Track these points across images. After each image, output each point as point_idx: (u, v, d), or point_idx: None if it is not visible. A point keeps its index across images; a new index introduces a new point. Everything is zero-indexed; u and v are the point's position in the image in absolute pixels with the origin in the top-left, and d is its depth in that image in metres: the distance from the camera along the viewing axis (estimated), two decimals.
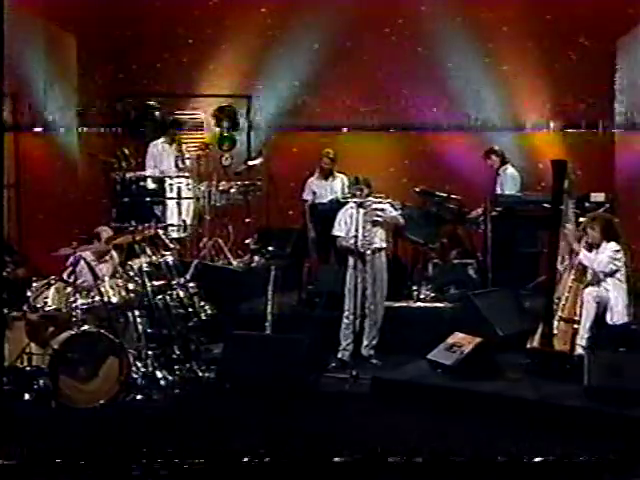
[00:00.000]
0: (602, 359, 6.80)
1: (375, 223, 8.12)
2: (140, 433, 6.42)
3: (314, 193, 9.89)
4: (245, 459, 5.79)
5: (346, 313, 8.12)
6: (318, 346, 7.80)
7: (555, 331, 7.38)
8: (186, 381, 7.56)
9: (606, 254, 7.33)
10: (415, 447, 5.93)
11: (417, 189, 9.77)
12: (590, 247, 7.51)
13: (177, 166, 9.73)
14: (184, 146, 10.06)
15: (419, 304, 8.98)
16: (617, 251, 7.36)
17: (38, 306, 7.39)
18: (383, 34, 11.00)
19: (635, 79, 10.30)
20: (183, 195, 9.45)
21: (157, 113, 10.45)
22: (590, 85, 10.87)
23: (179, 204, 9.45)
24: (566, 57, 10.83)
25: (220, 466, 5.78)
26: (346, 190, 9.34)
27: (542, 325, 7.43)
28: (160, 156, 9.82)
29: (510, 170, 10.04)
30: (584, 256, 7.41)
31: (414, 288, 9.13)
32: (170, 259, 8.03)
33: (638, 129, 10.42)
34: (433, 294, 9.13)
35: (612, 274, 7.31)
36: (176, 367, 7.65)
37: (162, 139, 9.92)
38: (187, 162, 9.77)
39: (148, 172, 9.65)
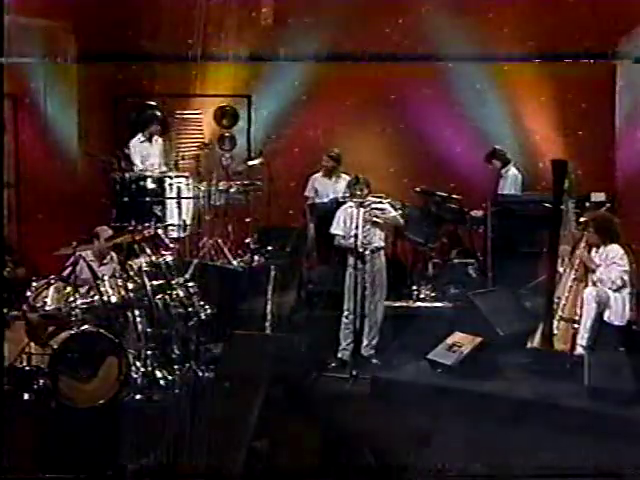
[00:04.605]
0: (602, 359, 6.80)
1: (374, 223, 8.12)
2: (140, 433, 6.42)
3: (316, 191, 9.89)
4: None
5: (346, 313, 8.13)
6: (318, 346, 7.80)
7: (555, 331, 7.39)
8: (186, 381, 7.55)
9: (616, 269, 7.31)
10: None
11: (417, 189, 9.77)
12: (590, 247, 7.52)
13: (167, 164, 9.72)
14: (162, 142, 10.02)
15: (419, 304, 8.98)
16: (622, 257, 7.36)
17: (38, 306, 7.39)
18: (383, 34, 10.99)
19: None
20: (183, 195, 9.45)
21: (157, 112, 10.43)
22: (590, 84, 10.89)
23: (179, 204, 9.44)
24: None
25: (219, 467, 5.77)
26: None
27: (542, 325, 7.43)
28: (142, 154, 9.78)
29: (512, 171, 10.02)
30: (588, 259, 7.39)
31: (414, 288, 9.13)
32: (170, 259, 8.02)
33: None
34: (433, 294, 9.13)
35: (615, 277, 7.31)
36: (176, 367, 7.65)
37: (140, 137, 9.87)
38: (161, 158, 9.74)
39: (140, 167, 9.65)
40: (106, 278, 7.66)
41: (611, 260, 7.37)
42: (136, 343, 7.56)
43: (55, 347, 7.04)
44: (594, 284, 7.39)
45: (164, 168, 9.74)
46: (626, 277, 7.35)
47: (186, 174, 9.66)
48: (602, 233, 7.47)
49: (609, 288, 7.30)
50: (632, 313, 7.38)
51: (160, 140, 10.02)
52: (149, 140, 9.86)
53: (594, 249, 7.51)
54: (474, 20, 10.76)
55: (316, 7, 10.74)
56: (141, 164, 9.70)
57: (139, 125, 10.02)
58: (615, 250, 7.41)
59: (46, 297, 7.41)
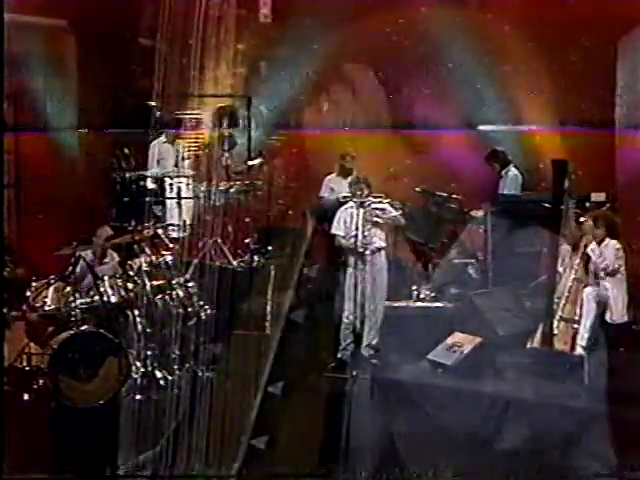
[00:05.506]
0: (602, 359, 6.80)
1: (375, 223, 8.12)
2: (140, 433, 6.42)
3: (332, 190, 9.88)
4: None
5: (346, 313, 8.12)
6: (318, 346, 7.81)
7: (555, 331, 7.39)
8: (186, 381, 7.55)
9: (611, 251, 7.37)
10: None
11: (417, 189, 9.77)
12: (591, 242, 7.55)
13: (177, 165, 9.76)
14: (181, 145, 10.08)
15: (419, 304, 8.97)
16: (618, 249, 7.40)
17: (37, 306, 7.39)
18: (384, 34, 10.99)
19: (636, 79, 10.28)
20: (183, 195, 9.46)
21: (158, 113, 10.43)
22: (591, 85, 10.86)
23: (179, 204, 9.45)
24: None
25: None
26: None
27: (542, 325, 7.43)
28: (163, 156, 9.83)
29: (512, 172, 10.01)
30: (592, 250, 7.41)
31: (414, 288, 9.13)
32: (170, 259, 8.02)
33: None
34: (433, 294, 9.13)
35: (614, 272, 7.33)
36: (176, 367, 7.65)
37: (163, 139, 9.94)
38: (185, 161, 9.80)
39: (149, 172, 9.69)
40: (106, 278, 7.66)
41: (609, 250, 7.40)
42: (136, 343, 7.56)
43: (55, 347, 7.04)
44: (595, 276, 7.40)
45: (174, 169, 9.80)
46: (622, 262, 7.36)
47: (187, 174, 9.67)
48: (609, 229, 7.52)
49: (605, 272, 7.31)
50: (632, 313, 7.39)
51: (182, 143, 10.08)
52: (172, 142, 9.92)
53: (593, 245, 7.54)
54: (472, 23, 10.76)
55: None
56: (158, 165, 9.75)
57: (160, 126, 10.08)
58: (614, 243, 7.44)
59: (46, 297, 7.42)
